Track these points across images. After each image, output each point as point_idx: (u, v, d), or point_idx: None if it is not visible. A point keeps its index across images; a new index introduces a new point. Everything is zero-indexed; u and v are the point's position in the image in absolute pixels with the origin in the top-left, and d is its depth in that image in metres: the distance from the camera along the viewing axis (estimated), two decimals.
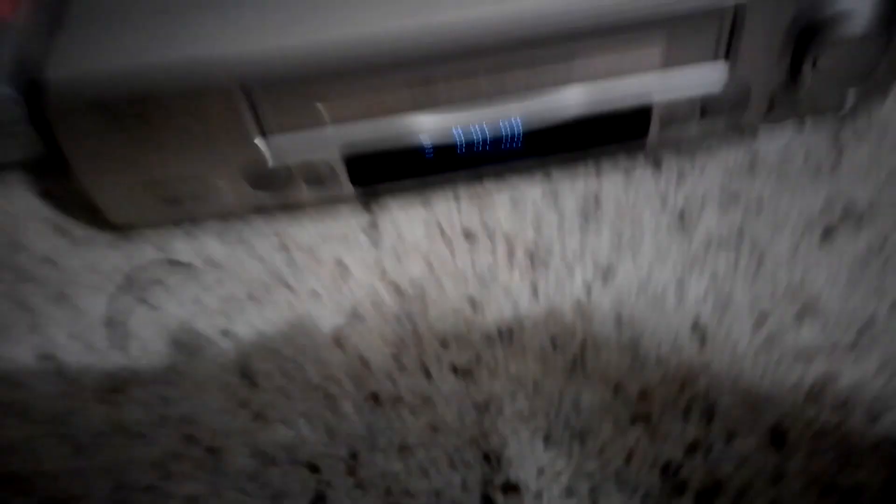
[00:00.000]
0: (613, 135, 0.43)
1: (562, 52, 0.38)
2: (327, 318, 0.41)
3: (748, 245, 0.42)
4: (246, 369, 0.40)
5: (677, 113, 0.42)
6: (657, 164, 0.46)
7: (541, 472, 0.35)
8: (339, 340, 0.40)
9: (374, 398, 0.38)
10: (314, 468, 0.37)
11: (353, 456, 0.37)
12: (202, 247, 0.45)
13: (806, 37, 0.39)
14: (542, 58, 0.39)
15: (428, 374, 0.38)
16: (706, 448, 0.35)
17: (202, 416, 0.39)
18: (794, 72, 0.41)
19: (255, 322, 0.41)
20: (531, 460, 0.36)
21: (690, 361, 0.38)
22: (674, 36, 0.39)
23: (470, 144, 0.42)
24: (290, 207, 0.45)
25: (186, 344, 0.41)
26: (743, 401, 0.36)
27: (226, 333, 0.41)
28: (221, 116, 0.39)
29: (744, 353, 0.38)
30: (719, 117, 0.43)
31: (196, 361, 0.40)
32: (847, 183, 0.43)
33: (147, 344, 0.41)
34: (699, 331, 0.39)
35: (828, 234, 0.42)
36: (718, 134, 0.45)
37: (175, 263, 0.45)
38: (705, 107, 0.42)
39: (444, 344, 0.39)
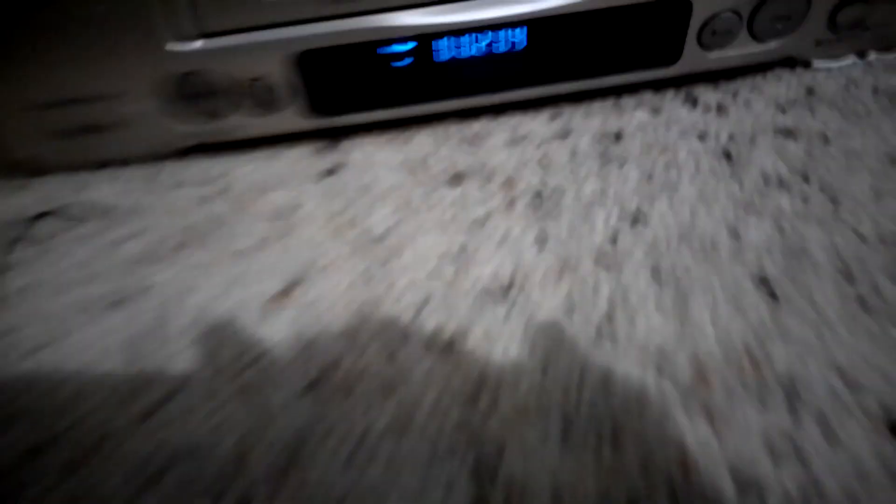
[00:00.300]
0: (641, 53, 0.34)
1: None
2: (265, 282, 0.30)
3: (816, 186, 0.32)
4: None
5: (719, 23, 0.33)
6: (692, 100, 0.36)
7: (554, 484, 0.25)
8: (276, 307, 0.30)
9: (313, 388, 0.27)
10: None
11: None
12: (103, 196, 0.35)
13: None
14: None
15: (392, 358, 0.28)
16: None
17: None
18: None
19: (167, 288, 0.31)
20: (539, 466, 0.25)
21: (761, 326, 0.28)
22: None
23: (457, 60, 0.33)
24: (227, 144, 0.35)
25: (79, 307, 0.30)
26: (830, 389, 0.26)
27: (115, 306, 0.30)
28: (123, 6, 0.29)
29: (833, 320, 0.28)
30: (770, 34, 0.34)
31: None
32: None
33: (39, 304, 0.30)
34: (766, 286, 0.29)
35: None
36: (766, 61, 0.36)
37: (70, 215, 0.34)
38: (755, 17, 0.33)
39: (417, 314, 0.29)
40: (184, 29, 0.30)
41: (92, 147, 0.34)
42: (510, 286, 0.30)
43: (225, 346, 0.28)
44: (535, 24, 0.32)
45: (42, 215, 0.34)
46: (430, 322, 0.28)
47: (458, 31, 0.32)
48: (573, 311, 0.29)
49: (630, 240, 0.31)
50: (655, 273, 0.30)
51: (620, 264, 0.30)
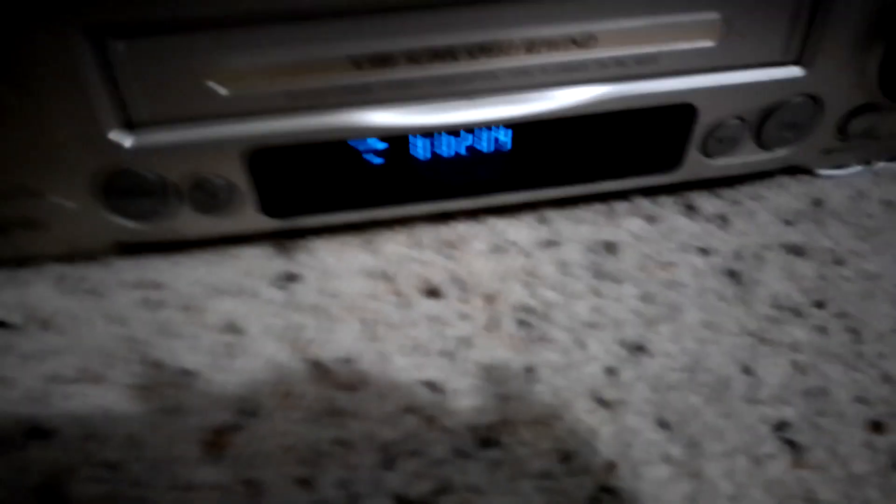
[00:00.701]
0: (639, 160, 0.31)
1: (584, 20, 0.26)
2: (199, 413, 0.26)
3: (833, 315, 0.29)
4: (57, 490, 0.24)
5: (724, 130, 0.30)
6: (690, 207, 0.33)
7: None
8: (216, 451, 0.25)
9: None
10: None
11: None
12: (32, 299, 0.30)
13: None
14: (552, 32, 0.26)
15: None
16: None
17: None
18: (886, 84, 0.29)
19: (85, 418, 0.26)
20: None
21: (780, 484, 0.24)
22: (732, 18, 0.27)
23: (435, 160, 0.29)
24: (173, 246, 0.31)
25: None
26: None
27: (39, 435, 0.25)
28: (58, 89, 0.24)
29: (861, 476, 0.24)
30: (778, 142, 0.31)
31: None
32: None
33: None
34: (787, 441, 0.25)
35: None
36: (770, 169, 0.33)
37: None
38: (763, 125, 0.30)
39: (386, 461, 0.24)
40: (122, 120, 0.26)
41: (16, 243, 0.29)
42: (495, 428, 0.25)
43: None
44: (522, 127, 0.29)
45: None
46: (398, 479, 0.24)
47: (434, 131, 0.28)
48: (569, 461, 0.25)
49: (632, 373, 0.27)
50: (661, 415, 0.26)
51: (623, 403, 0.26)
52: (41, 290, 0.30)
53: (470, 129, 0.29)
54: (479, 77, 0.27)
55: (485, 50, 0.26)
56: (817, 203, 0.33)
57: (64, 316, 0.29)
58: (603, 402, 0.26)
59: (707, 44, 0.28)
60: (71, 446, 0.25)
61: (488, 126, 0.29)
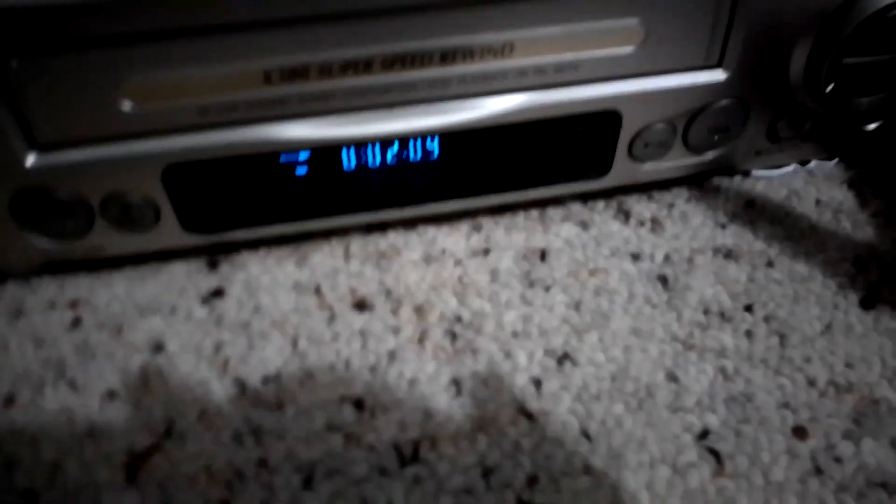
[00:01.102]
0: (568, 166, 0.31)
1: (501, 29, 0.26)
2: (125, 437, 0.25)
3: (761, 318, 0.29)
4: None
5: (652, 135, 0.30)
6: (624, 213, 0.33)
7: None
8: (135, 475, 0.24)
9: None
10: None
11: None
12: None
13: (832, 31, 0.28)
14: (468, 41, 0.26)
15: None
16: None
17: None
18: (811, 85, 0.29)
19: (7, 444, 0.25)
20: None
21: (702, 493, 0.24)
22: (651, 24, 0.27)
23: (363, 174, 0.29)
24: (96, 263, 0.30)
25: None
26: None
27: None
28: None
29: (781, 484, 0.24)
30: (706, 145, 0.31)
31: None
32: (879, 236, 0.32)
33: None
34: (710, 450, 0.25)
35: (868, 303, 0.29)
36: (702, 171, 0.33)
37: None
38: (689, 129, 0.30)
39: (307, 480, 0.24)
40: (26, 139, 0.25)
41: None
42: (417, 444, 0.25)
43: None
44: (449, 135, 0.28)
45: None
46: (318, 500, 0.24)
47: (359, 143, 0.28)
48: (491, 475, 0.24)
49: (557, 383, 0.27)
50: (585, 425, 0.26)
51: (546, 413, 0.26)
52: None
53: (389, 140, 0.28)
54: (395, 88, 0.27)
55: (399, 60, 0.26)
56: (750, 204, 0.33)
57: None
58: (527, 414, 0.26)
59: (627, 50, 0.28)
60: None
61: (407, 137, 0.28)
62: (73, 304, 0.30)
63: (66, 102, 0.25)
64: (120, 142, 0.26)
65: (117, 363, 0.28)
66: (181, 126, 0.26)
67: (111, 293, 0.30)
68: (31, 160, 0.26)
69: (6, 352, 0.28)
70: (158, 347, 0.28)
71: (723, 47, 0.28)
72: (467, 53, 0.26)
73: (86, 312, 0.29)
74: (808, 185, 0.34)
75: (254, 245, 0.31)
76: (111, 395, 0.27)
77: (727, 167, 0.33)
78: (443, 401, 0.26)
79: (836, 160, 0.35)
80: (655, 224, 0.33)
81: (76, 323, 0.29)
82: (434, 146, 0.29)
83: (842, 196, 0.34)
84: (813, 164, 0.35)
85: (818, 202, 0.34)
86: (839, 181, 0.34)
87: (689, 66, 0.29)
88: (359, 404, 0.26)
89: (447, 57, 0.26)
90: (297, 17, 0.24)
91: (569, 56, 0.27)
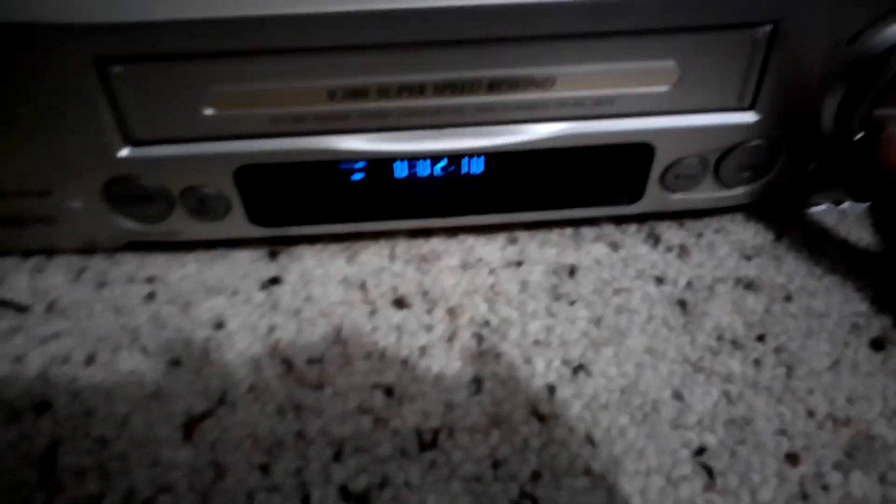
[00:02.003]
0: (602, 190, 0.33)
1: (544, 64, 0.28)
2: (185, 400, 0.29)
3: (772, 349, 0.30)
4: (53, 463, 0.27)
5: (683, 168, 0.32)
6: (654, 237, 0.35)
7: None
8: (191, 434, 0.28)
9: None
10: None
11: None
12: (48, 286, 0.33)
13: (862, 83, 0.29)
14: (513, 73, 0.29)
15: (305, 500, 0.26)
16: None
17: None
18: (841, 135, 0.31)
19: (85, 397, 0.29)
20: None
21: None
22: (687, 66, 0.29)
23: (413, 184, 0.32)
24: (173, 245, 0.34)
25: None
26: None
27: (42, 409, 0.29)
28: (72, 111, 0.28)
29: None
30: (737, 181, 0.33)
31: None
32: None
33: None
34: (704, 466, 0.27)
35: (879, 344, 0.31)
36: (734, 205, 0.35)
37: (4, 305, 0.33)
38: (720, 164, 0.32)
39: (336, 455, 0.27)
40: (122, 135, 0.29)
41: (22, 236, 0.33)
42: (437, 432, 0.28)
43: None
44: (494, 155, 0.31)
45: None
46: (344, 472, 0.27)
47: (411, 158, 0.31)
48: (499, 467, 0.27)
49: (570, 391, 0.29)
50: (590, 432, 0.28)
51: (557, 417, 0.29)
52: (54, 279, 0.34)
53: (438, 156, 0.31)
54: (445, 111, 0.30)
55: (450, 87, 0.29)
56: (779, 239, 0.35)
57: (71, 302, 0.33)
58: (539, 416, 0.29)
59: (662, 88, 0.30)
60: (70, 421, 0.29)
61: (455, 155, 0.31)
62: (150, 280, 0.34)
63: (157, 105, 0.29)
64: (201, 142, 0.30)
65: (183, 335, 0.32)
66: (254, 132, 0.30)
67: (183, 273, 0.34)
68: (124, 153, 0.30)
69: (91, 317, 0.32)
70: (220, 325, 0.32)
71: (756, 91, 0.30)
72: (512, 84, 0.29)
73: (160, 288, 0.33)
74: (838, 224, 0.36)
75: (310, 240, 0.35)
76: (176, 362, 0.31)
77: (757, 202, 0.35)
78: (463, 396, 0.29)
79: (868, 202, 0.36)
80: (683, 251, 0.35)
81: (151, 296, 0.33)
82: (479, 164, 0.32)
83: (869, 238, 0.35)
84: (846, 204, 0.36)
85: (845, 242, 0.35)
86: (869, 223, 0.36)
87: (721, 107, 0.30)
88: (389, 391, 0.29)
89: (494, 86, 0.29)
90: (360, 44, 0.27)
91: (607, 91, 0.30)
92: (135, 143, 0.30)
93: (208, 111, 0.29)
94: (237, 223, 0.33)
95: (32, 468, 0.27)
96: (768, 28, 0.28)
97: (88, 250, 0.35)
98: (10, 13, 0.26)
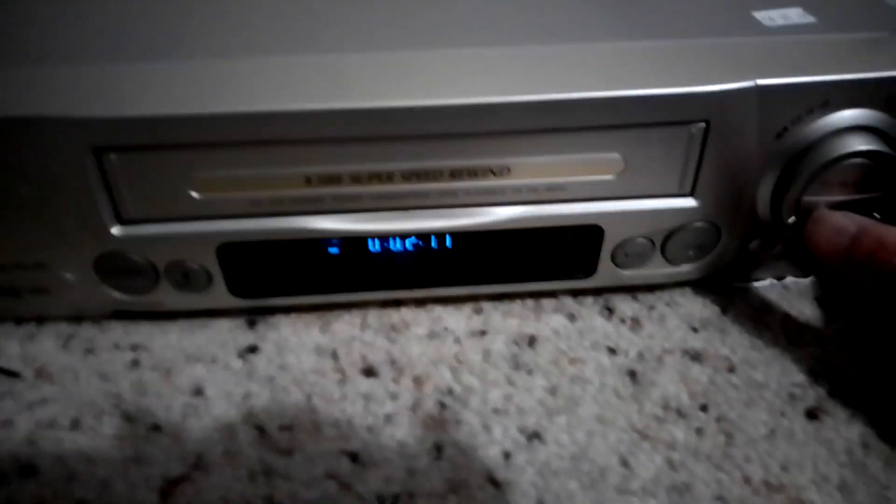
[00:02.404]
0: (557, 266, 0.36)
1: (499, 155, 0.31)
2: (162, 464, 0.31)
3: (713, 418, 0.33)
4: None
5: (631, 247, 0.35)
6: (608, 309, 0.37)
7: None
8: (167, 497, 0.30)
9: None
10: None
11: None
12: (38, 352, 0.36)
13: (791, 173, 0.32)
14: (471, 164, 0.32)
15: None
16: None
17: None
18: (776, 219, 0.34)
19: (69, 460, 0.31)
20: None
21: None
22: (631, 158, 0.32)
23: (385, 259, 0.34)
24: (158, 314, 0.36)
25: None
26: None
27: (27, 472, 0.31)
28: (69, 193, 0.31)
29: None
30: (683, 259, 0.36)
31: None
32: (836, 352, 0.35)
33: None
34: None
35: (813, 414, 0.33)
36: (681, 280, 0.37)
37: None
38: (666, 244, 0.35)
39: None
40: (114, 215, 0.32)
41: (16, 305, 0.35)
42: (397, 498, 0.30)
43: None
44: (459, 234, 0.34)
45: None
46: None
47: (382, 236, 0.34)
48: None
49: (524, 457, 0.31)
50: (541, 497, 0.30)
51: (510, 483, 0.31)
52: (44, 345, 0.36)
53: (406, 235, 0.34)
54: (411, 195, 0.32)
55: (415, 174, 0.32)
56: (725, 311, 0.38)
57: (60, 369, 0.35)
58: (494, 482, 0.31)
59: (609, 177, 0.33)
60: (54, 485, 0.31)
61: (422, 234, 0.34)
62: (134, 348, 0.36)
63: (146, 188, 0.31)
64: (186, 221, 0.32)
65: (164, 401, 0.34)
66: (236, 213, 0.32)
67: (166, 340, 0.36)
68: (115, 230, 0.32)
69: (76, 382, 0.35)
70: (199, 391, 0.34)
71: (694, 179, 0.33)
72: (472, 172, 0.32)
73: (143, 355, 0.36)
74: (781, 298, 0.38)
75: (286, 310, 0.37)
76: (156, 427, 0.33)
77: (704, 277, 0.38)
78: (424, 462, 0.31)
79: (810, 277, 0.39)
80: (635, 322, 0.37)
81: (135, 363, 0.35)
82: (446, 241, 0.34)
83: (810, 311, 0.38)
84: (788, 279, 0.39)
85: (787, 315, 0.37)
86: (810, 297, 0.38)
87: (664, 193, 0.33)
88: (354, 457, 0.31)
89: (455, 174, 0.32)
90: (333, 137, 0.30)
91: (558, 179, 0.33)
92: (125, 221, 0.32)
93: (193, 194, 0.32)
94: (218, 295, 0.35)
95: None
96: (702, 125, 0.31)
97: (77, 318, 0.37)
98: (17, 107, 0.29)
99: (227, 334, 0.36)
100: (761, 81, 0.31)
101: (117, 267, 0.34)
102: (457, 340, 0.36)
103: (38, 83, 0.30)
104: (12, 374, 0.35)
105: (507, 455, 0.31)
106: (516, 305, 0.38)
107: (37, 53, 0.32)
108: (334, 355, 0.35)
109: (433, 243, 0.35)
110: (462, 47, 0.32)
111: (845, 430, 0.32)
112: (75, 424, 0.33)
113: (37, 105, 0.29)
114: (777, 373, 0.35)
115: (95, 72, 0.30)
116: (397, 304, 0.38)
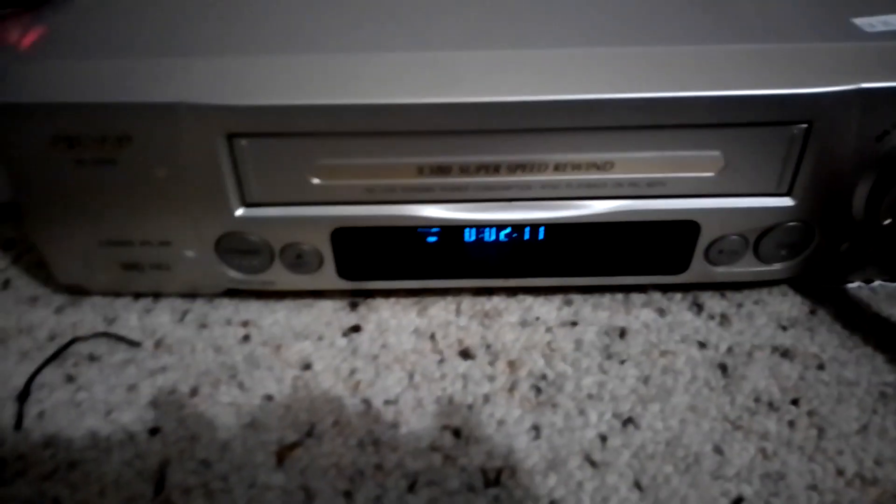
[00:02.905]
0: (651, 261, 0.37)
1: (604, 150, 0.33)
2: (277, 431, 0.33)
3: (805, 412, 0.33)
4: (163, 480, 0.31)
5: (726, 244, 0.36)
6: (697, 305, 0.39)
7: None
8: (283, 461, 0.32)
9: None
10: None
11: None
12: (155, 325, 0.38)
13: (889, 175, 0.33)
14: (576, 158, 0.33)
15: None
16: None
17: None
18: (871, 220, 0.34)
19: (190, 424, 0.34)
20: None
21: None
22: (731, 156, 0.33)
23: (481, 248, 0.36)
24: (266, 293, 0.39)
25: (103, 438, 0.33)
26: None
27: (154, 432, 0.33)
28: (201, 176, 0.33)
29: None
30: (775, 258, 0.37)
31: (107, 462, 0.32)
32: None
33: (58, 431, 0.33)
34: None
35: None
36: (772, 280, 0.38)
37: (119, 340, 0.38)
38: (760, 243, 0.36)
39: (411, 486, 0.31)
40: (239, 197, 0.34)
41: (138, 280, 0.38)
42: (500, 471, 0.31)
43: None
44: (555, 226, 0.35)
45: (99, 335, 0.38)
46: (418, 502, 0.30)
47: (482, 226, 0.35)
48: None
49: (620, 441, 0.33)
50: (638, 478, 0.31)
51: (608, 464, 0.32)
52: (161, 319, 0.39)
53: (506, 225, 0.35)
54: (515, 186, 0.34)
55: (521, 167, 0.33)
56: (813, 312, 0.38)
57: (177, 341, 0.37)
58: (592, 462, 0.32)
59: (709, 174, 0.34)
60: (179, 444, 0.33)
61: (521, 225, 0.35)
62: (245, 324, 0.38)
63: (271, 173, 0.34)
64: (304, 206, 0.35)
65: (275, 374, 0.36)
66: (351, 200, 0.34)
67: (274, 318, 0.38)
68: (239, 212, 0.35)
69: (193, 354, 0.37)
70: (307, 366, 0.36)
71: (792, 179, 0.34)
72: (576, 166, 0.34)
73: (254, 331, 0.38)
74: (870, 301, 0.39)
75: (385, 294, 0.39)
76: (269, 397, 0.35)
77: (794, 277, 0.38)
78: (524, 441, 0.33)
79: None
80: (724, 319, 0.38)
81: (246, 338, 0.38)
82: (541, 233, 0.36)
83: None
84: (877, 283, 0.39)
85: (876, 317, 0.38)
86: None
87: (761, 192, 0.34)
88: (457, 433, 0.33)
89: (559, 167, 0.34)
90: (446, 129, 0.32)
91: (659, 175, 0.34)
92: (248, 204, 0.34)
93: (314, 180, 0.34)
94: (327, 277, 0.37)
95: (146, 483, 0.31)
96: (804, 126, 0.32)
97: (191, 295, 0.40)
98: (159, 94, 0.32)
99: (331, 314, 0.38)
100: (865, 85, 0.31)
101: (236, 247, 0.36)
102: (548, 329, 0.38)
103: (178, 73, 0.32)
104: (133, 344, 0.38)
105: (603, 438, 0.33)
106: (606, 298, 0.39)
107: (178, 45, 0.34)
108: (432, 337, 0.37)
109: (528, 235, 0.36)
110: (571, 47, 0.33)
111: None
112: (194, 392, 0.35)
113: (176, 92, 0.32)
114: (867, 372, 0.35)
115: (231, 63, 0.33)
116: (489, 292, 0.40)
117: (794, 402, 0.34)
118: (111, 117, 0.32)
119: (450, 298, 0.39)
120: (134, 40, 0.35)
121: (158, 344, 0.37)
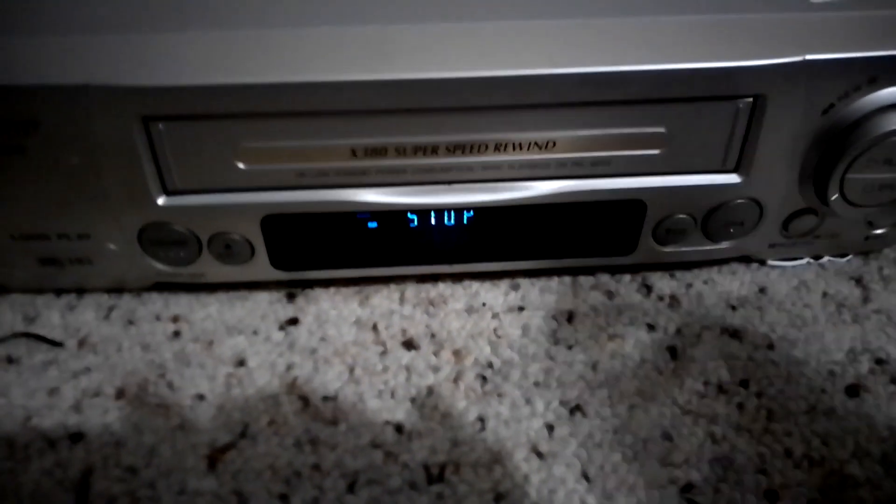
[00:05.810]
0: (598, 242, 0.36)
1: (545, 128, 0.31)
2: (208, 433, 0.31)
3: (753, 394, 0.33)
4: (86, 490, 0.29)
5: (673, 223, 0.35)
6: (647, 286, 0.38)
7: None
8: (215, 465, 0.30)
9: None
10: None
11: None
12: (79, 323, 0.36)
13: (836, 149, 0.32)
14: (517, 137, 0.32)
15: None
16: None
17: None
18: (819, 194, 0.34)
19: (115, 428, 0.32)
20: None
21: None
22: (676, 133, 0.32)
23: (423, 233, 0.34)
24: (197, 286, 0.37)
25: (21, 447, 0.31)
26: None
27: (76, 439, 0.31)
28: (116, 163, 0.31)
29: None
30: (723, 236, 0.36)
31: (24, 472, 0.30)
32: (874, 332, 0.35)
33: None
34: (690, 501, 0.29)
35: (853, 390, 0.33)
36: (720, 258, 0.37)
37: (40, 340, 0.35)
38: (708, 221, 0.35)
39: (351, 486, 0.29)
40: (160, 185, 0.32)
41: (58, 276, 0.35)
42: (443, 467, 0.30)
43: None
44: (499, 208, 0.34)
45: (18, 335, 0.35)
46: (358, 502, 0.29)
47: (423, 210, 0.34)
48: (501, 500, 0.29)
49: (567, 430, 0.32)
50: (585, 469, 0.30)
51: (554, 455, 0.31)
52: (85, 316, 0.36)
53: (447, 209, 0.34)
54: (455, 168, 0.32)
55: (460, 147, 0.32)
56: (762, 290, 0.38)
57: (102, 339, 0.35)
58: (538, 453, 0.31)
59: (654, 152, 0.33)
60: (103, 450, 0.31)
61: (463, 208, 0.34)
62: (175, 319, 0.36)
63: (193, 158, 0.32)
64: (231, 192, 0.33)
65: (207, 371, 0.34)
66: (281, 184, 0.32)
67: (206, 312, 0.36)
68: (161, 201, 0.32)
69: (119, 353, 0.35)
70: (241, 362, 0.34)
71: (739, 155, 0.33)
72: (517, 145, 0.32)
73: (184, 327, 0.36)
74: (819, 277, 0.38)
75: (326, 284, 0.37)
76: (200, 397, 0.33)
77: (742, 255, 0.38)
78: (468, 433, 0.31)
79: (848, 257, 0.39)
80: (673, 300, 0.37)
81: (176, 334, 0.36)
82: (484, 216, 0.35)
83: (847, 291, 0.38)
84: (826, 259, 0.39)
85: (825, 294, 0.37)
86: (847, 277, 0.38)
87: (708, 169, 0.33)
88: (399, 428, 0.32)
89: (500, 147, 0.32)
90: (379, 109, 0.30)
91: (603, 153, 0.33)
92: (171, 192, 0.32)
93: (239, 165, 0.32)
94: (260, 267, 0.35)
95: (67, 494, 0.29)
96: (749, 100, 0.31)
97: (117, 290, 0.37)
98: (66, 75, 0.29)
99: (266, 307, 0.37)
100: (810, 56, 0.30)
101: (161, 238, 0.34)
102: (495, 316, 0.36)
103: (87, 51, 0.30)
104: (55, 344, 0.35)
105: (550, 427, 0.32)
106: (553, 282, 0.38)
107: (86, 22, 0.32)
108: (374, 328, 0.36)
109: (472, 218, 0.35)
110: (508, 19, 0.32)
111: (886, 406, 0.32)
112: (120, 393, 0.33)
113: (86, 73, 0.29)
114: (816, 350, 0.35)
115: (144, 41, 0.30)
116: (434, 279, 0.38)
117: (744, 383, 0.33)
118: (15, 101, 0.29)
119: (393, 287, 0.38)
120: (38, 16, 0.32)
121: (82, 343, 0.35)
